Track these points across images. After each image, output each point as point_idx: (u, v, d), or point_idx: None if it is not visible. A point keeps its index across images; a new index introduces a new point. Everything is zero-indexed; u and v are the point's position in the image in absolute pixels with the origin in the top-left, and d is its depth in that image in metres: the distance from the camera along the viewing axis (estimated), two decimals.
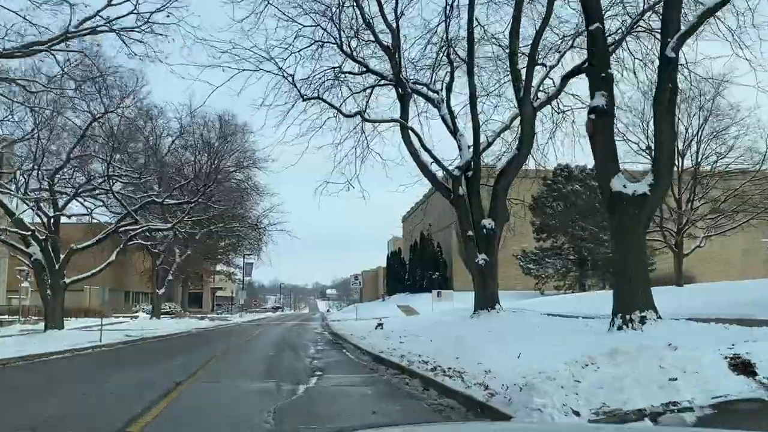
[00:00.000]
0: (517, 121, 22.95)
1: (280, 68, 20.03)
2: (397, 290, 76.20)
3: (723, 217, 29.33)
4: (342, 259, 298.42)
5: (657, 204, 12.42)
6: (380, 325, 23.89)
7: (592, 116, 12.12)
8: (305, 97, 20.36)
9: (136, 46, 18.55)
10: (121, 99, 25.45)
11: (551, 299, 35.79)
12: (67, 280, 27.28)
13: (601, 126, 12.09)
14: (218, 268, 68.27)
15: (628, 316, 11.21)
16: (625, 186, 11.69)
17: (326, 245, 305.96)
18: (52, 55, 17.60)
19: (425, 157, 21.43)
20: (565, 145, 51.54)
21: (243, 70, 19.51)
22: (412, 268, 68.46)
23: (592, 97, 12.37)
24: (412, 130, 21.06)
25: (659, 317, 11.32)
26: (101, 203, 30.35)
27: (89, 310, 50.35)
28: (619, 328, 11.24)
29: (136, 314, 51.57)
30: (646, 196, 11.51)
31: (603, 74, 12.35)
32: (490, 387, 7.51)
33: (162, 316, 55.26)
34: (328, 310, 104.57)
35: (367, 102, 22.95)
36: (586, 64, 14.05)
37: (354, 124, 22.79)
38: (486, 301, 20.42)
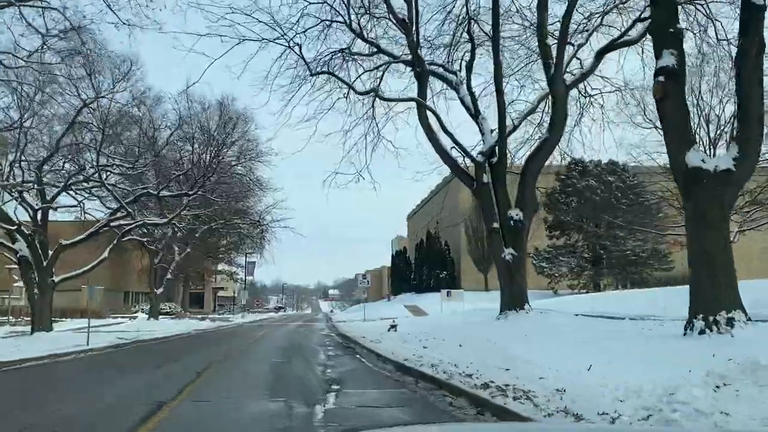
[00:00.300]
0: (543, 104, 20.98)
1: (285, 36, 17.88)
2: (402, 290, 74.21)
3: (760, 209, 27.21)
4: (344, 259, 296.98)
5: (744, 180, 10.38)
6: (394, 326, 21.90)
7: (661, 78, 10.08)
8: (314, 71, 18.28)
9: (124, 12, 16.51)
10: (113, 83, 23.49)
11: (567, 299, 33.71)
12: (56, 279, 25.36)
13: (671, 89, 10.04)
14: (220, 267, 66.32)
15: (711, 318, 9.16)
16: (703, 161, 9.65)
17: (329, 245, 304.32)
18: (22, 17, 15.50)
19: (444, 141, 19.40)
20: (592, 133, 49.34)
21: (244, 39, 17.39)
22: (418, 268, 66.46)
23: (659, 57, 10.34)
24: (431, 110, 19.03)
25: (749, 319, 9.29)
26: (94, 197, 28.43)
27: (86, 310, 48.51)
28: (701, 332, 9.19)
29: (135, 315, 49.67)
30: (731, 171, 9.48)
31: (671, 29, 10.32)
32: (582, 415, 5.47)
33: (162, 316, 53.32)
34: (331, 311, 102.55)
35: (379, 83, 20.92)
36: (648, 22, 11.99)
37: (365, 110, 20.80)
38: (514, 300, 18.39)
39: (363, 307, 50.17)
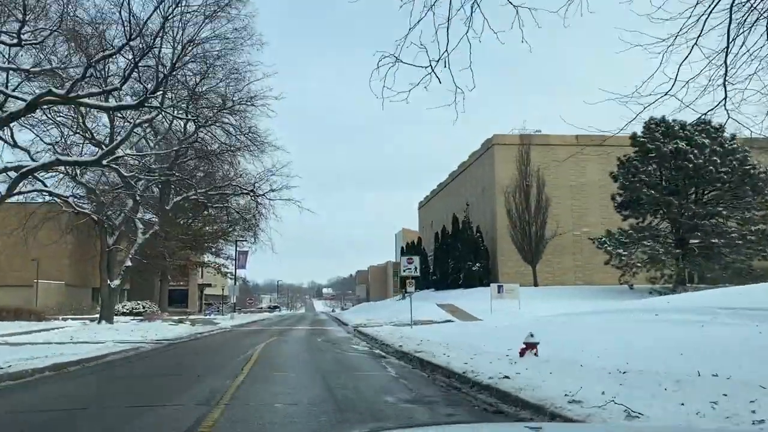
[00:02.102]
0: None
1: None
2: (418, 286, 63.01)
3: None
4: (338, 258, 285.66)
5: None
6: (532, 346, 10.68)
7: None
8: None
9: None
10: None
11: (709, 295, 22.61)
12: None
13: None
14: (206, 259, 54.88)
15: None
16: None
17: (322, 243, 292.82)
18: None
19: None
20: None
21: None
22: (440, 260, 55.25)
23: None
24: None
25: None
26: None
27: (34, 311, 37.10)
28: None
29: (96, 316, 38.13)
30: None
31: None
32: None
33: (128, 317, 42.03)
34: (333, 310, 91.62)
35: None
36: None
37: None
38: None
39: (409, 302, 39.02)
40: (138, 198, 27.31)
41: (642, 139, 36.13)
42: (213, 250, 54.08)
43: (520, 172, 43.06)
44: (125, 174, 26.80)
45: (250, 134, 27.81)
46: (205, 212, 35.48)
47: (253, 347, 16.42)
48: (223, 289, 73.72)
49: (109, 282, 27.14)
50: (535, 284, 41.44)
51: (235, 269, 47.18)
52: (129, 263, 27.72)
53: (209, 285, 69.49)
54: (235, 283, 45.27)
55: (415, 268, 22.28)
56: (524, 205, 42.29)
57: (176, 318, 41.97)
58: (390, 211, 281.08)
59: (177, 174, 27.46)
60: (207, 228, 52.73)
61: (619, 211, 38.59)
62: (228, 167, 29.85)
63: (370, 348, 16.62)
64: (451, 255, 52.12)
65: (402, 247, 73.99)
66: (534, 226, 42.05)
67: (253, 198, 30.05)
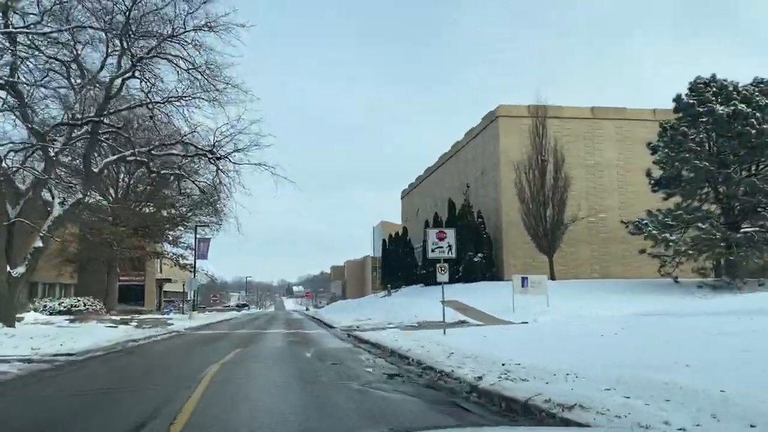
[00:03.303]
0: None
1: None
2: (403, 282, 55.93)
3: None
4: (309, 255, 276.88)
5: None
6: None
7: None
8: None
9: None
10: None
11: None
12: None
13: None
14: (163, 249, 46.78)
15: None
16: None
17: (293, 240, 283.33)
18: None
19: None
20: None
21: None
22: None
23: None
24: None
25: None
26: None
27: None
28: None
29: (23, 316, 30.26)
30: None
31: None
32: None
33: (63, 316, 34.02)
34: (306, 309, 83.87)
35: None
36: None
37: None
38: None
39: (396, 302, 31.66)
40: (53, 155, 19.56)
41: (690, 101, 29.56)
42: (170, 238, 46.13)
43: (534, 146, 36.13)
44: (31, 124, 19.08)
45: (208, 72, 20.12)
46: (153, 179, 27.55)
47: (198, 376, 9.00)
48: (184, 285, 65.57)
49: (9, 269, 19.27)
50: (552, 277, 34.58)
51: (195, 259, 39.27)
52: (40, 243, 19.88)
53: (169, 280, 61.20)
54: (194, 276, 37.43)
55: (449, 247, 15.06)
56: (539, 185, 35.37)
57: (121, 318, 34.07)
58: (363, 208, 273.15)
59: (105, 122, 19.72)
60: (164, 212, 44.81)
61: (656, 189, 32.00)
62: (179, 123, 22.17)
63: (404, 372, 9.31)
64: None
65: (384, 240, 66.83)
66: (551, 209, 35.17)
67: (212, 160, 22.38)
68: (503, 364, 8.42)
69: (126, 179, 43.22)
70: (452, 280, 43.52)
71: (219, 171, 22.73)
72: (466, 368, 8.59)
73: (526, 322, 23.43)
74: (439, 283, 15.39)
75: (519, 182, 35.80)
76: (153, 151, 22.08)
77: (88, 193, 23.30)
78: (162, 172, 24.50)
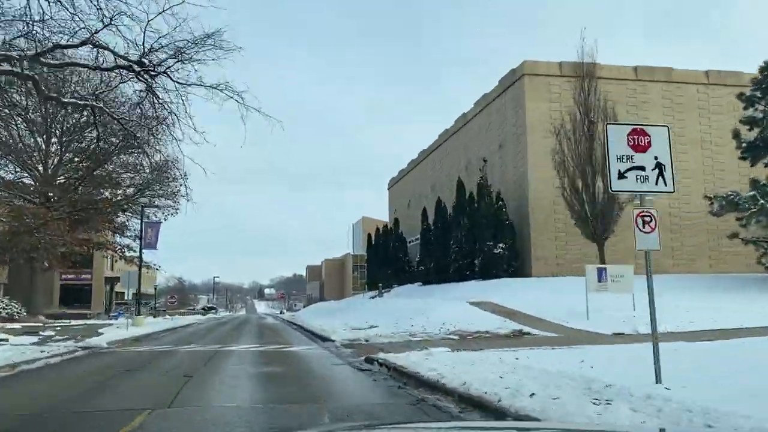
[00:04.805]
0: None
1: None
2: (394, 281, 47.41)
3: None
4: (280, 255, 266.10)
5: None
6: None
7: None
8: None
9: None
10: None
11: None
12: None
13: None
14: (103, 238, 37.39)
15: None
16: None
17: (264, 241, 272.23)
18: None
19: None
20: None
21: None
22: (434, 245, 39.75)
23: None
24: None
25: None
26: None
27: None
28: None
29: None
30: None
31: None
32: None
33: None
34: (281, 312, 74.83)
35: None
36: None
37: None
38: None
39: (393, 305, 22.86)
40: None
41: None
42: (116, 225, 36.88)
43: (579, 107, 27.97)
44: None
45: None
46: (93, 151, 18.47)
47: None
48: (154, 285, 56.05)
49: None
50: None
51: (140, 248, 30.01)
52: None
53: (118, 278, 51.54)
54: (139, 270, 28.19)
55: (660, 168, 6.62)
56: (587, 154, 27.19)
57: (31, 326, 24.93)
58: (344, 208, 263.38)
59: None
60: (106, 193, 35.59)
61: (746, 156, 24.16)
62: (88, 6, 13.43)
63: None
64: (451, 236, 36.73)
65: (370, 234, 58.21)
66: (601, 183, 27.02)
67: (141, 79, 13.69)
68: None
69: (59, 150, 34.01)
70: (464, 277, 35.13)
71: (151, 93, 13.95)
72: None
73: (622, 333, 15.32)
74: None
75: (561, 150, 27.57)
76: (42, 57, 13.17)
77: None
78: (64, 100, 15.52)
